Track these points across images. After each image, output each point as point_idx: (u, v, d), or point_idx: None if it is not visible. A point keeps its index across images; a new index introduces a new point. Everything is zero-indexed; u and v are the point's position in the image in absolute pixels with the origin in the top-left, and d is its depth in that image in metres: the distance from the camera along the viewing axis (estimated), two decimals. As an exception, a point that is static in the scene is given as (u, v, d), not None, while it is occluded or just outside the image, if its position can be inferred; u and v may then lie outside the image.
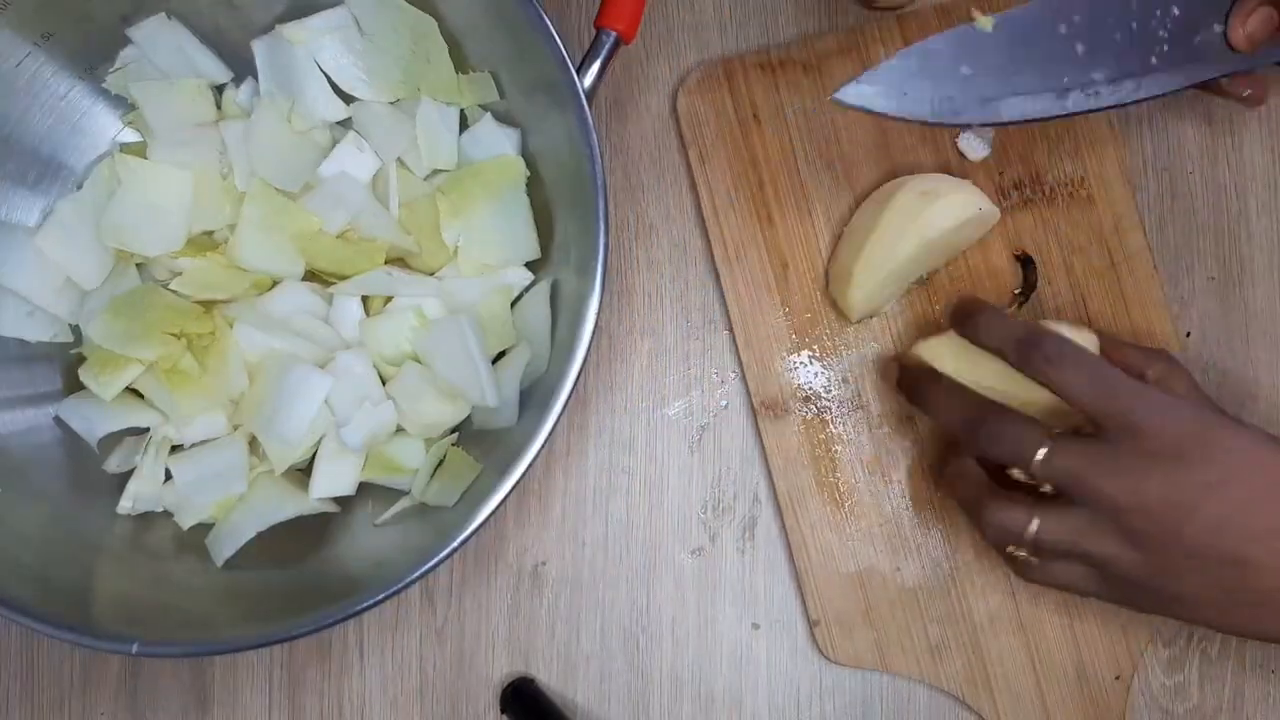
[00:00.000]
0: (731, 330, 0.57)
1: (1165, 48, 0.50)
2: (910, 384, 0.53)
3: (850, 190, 0.57)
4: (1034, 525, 0.47)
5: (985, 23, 0.49)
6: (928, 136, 0.57)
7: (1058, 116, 0.50)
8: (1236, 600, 0.46)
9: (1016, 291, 0.56)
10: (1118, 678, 0.54)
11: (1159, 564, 0.46)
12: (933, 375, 0.52)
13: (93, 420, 0.52)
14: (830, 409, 0.56)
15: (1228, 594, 0.46)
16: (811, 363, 0.56)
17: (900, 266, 0.53)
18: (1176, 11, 0.50)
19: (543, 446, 0.45)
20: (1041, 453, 0.46)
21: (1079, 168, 0.57)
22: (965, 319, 0.50)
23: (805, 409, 0.56)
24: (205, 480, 0.51)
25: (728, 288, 0.56)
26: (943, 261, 0.56)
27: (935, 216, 0.52)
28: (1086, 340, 0.50)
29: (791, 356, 0.56)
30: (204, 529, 0.52)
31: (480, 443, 0.51)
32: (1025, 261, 0.56)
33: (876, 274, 0.53)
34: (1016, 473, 0.48)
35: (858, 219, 0.56)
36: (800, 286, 0.56)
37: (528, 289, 0.53)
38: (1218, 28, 0.50)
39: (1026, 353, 0.47)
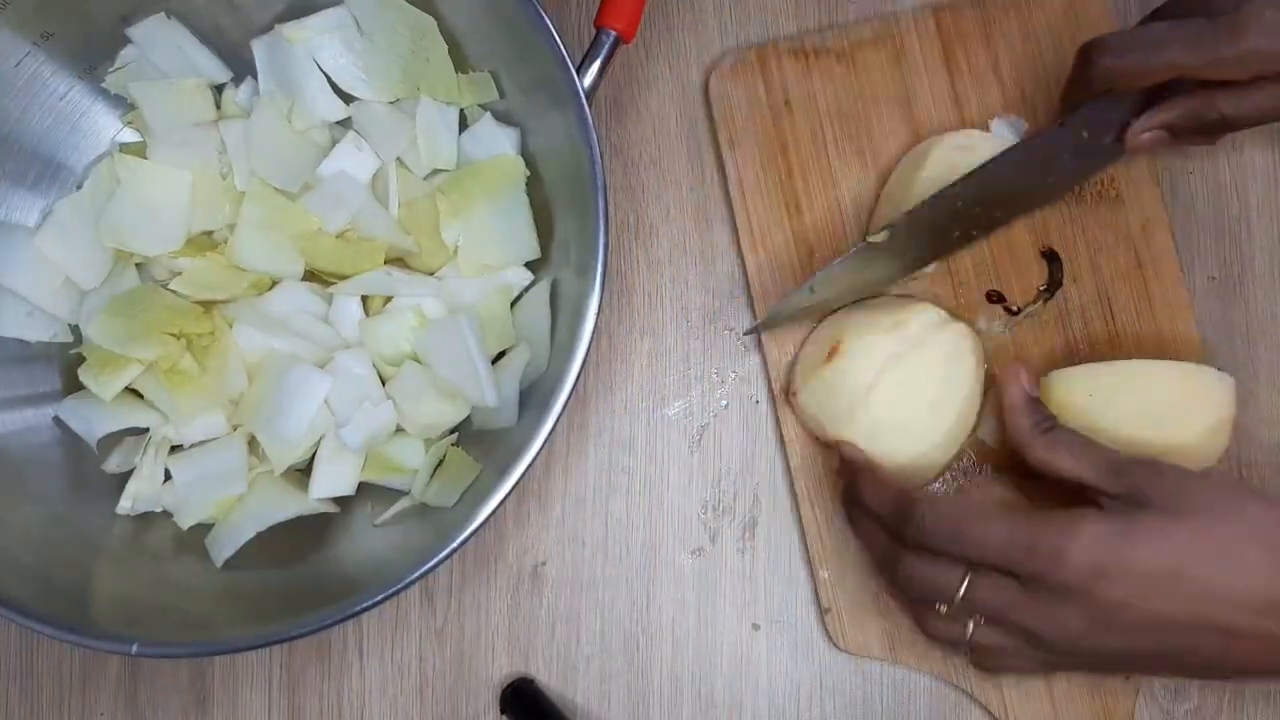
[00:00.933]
0: (732, 329, 0.57)
1: (1068, 161, 0.53)
2: (844, 502, 0.53)
3: (880, 181, 0.57)
4: (968, 636, 0.47)
5: (878, 237, 0.52)
6: (958, 127, 0.57)
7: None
8: (1179, 671, 0.48)
9: (1041, 288, 0.56)
10: (1127, 678, 0.54)
11: (1094, 666, 0.48)
12: (851, 500, 0.51)
13: (92, 420, 0.52)
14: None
15: (1170, 670, 0.48)
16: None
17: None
18: (1071, 153, 0.52)
19: (543, 446, 0.45)
20: (963, 591, 0.46)
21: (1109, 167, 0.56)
22: (848, 487, 0.51)
23: None
24: (205, 480, 0.51)
25: (752, 275, 0.56)
26: None
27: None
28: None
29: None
30: (204, 529, 0.52)
31: (480, 443, 0.51)
32: (1051, 258, 0.56)
33: None
34: (942, 608, 0.47)
35: (895, 179, 0.56)
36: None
37: (528, 289, 0.53)
38: (1108, 140, 0.52)
39: (904, 527, 0.47)
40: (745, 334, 0.56)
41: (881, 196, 0.56)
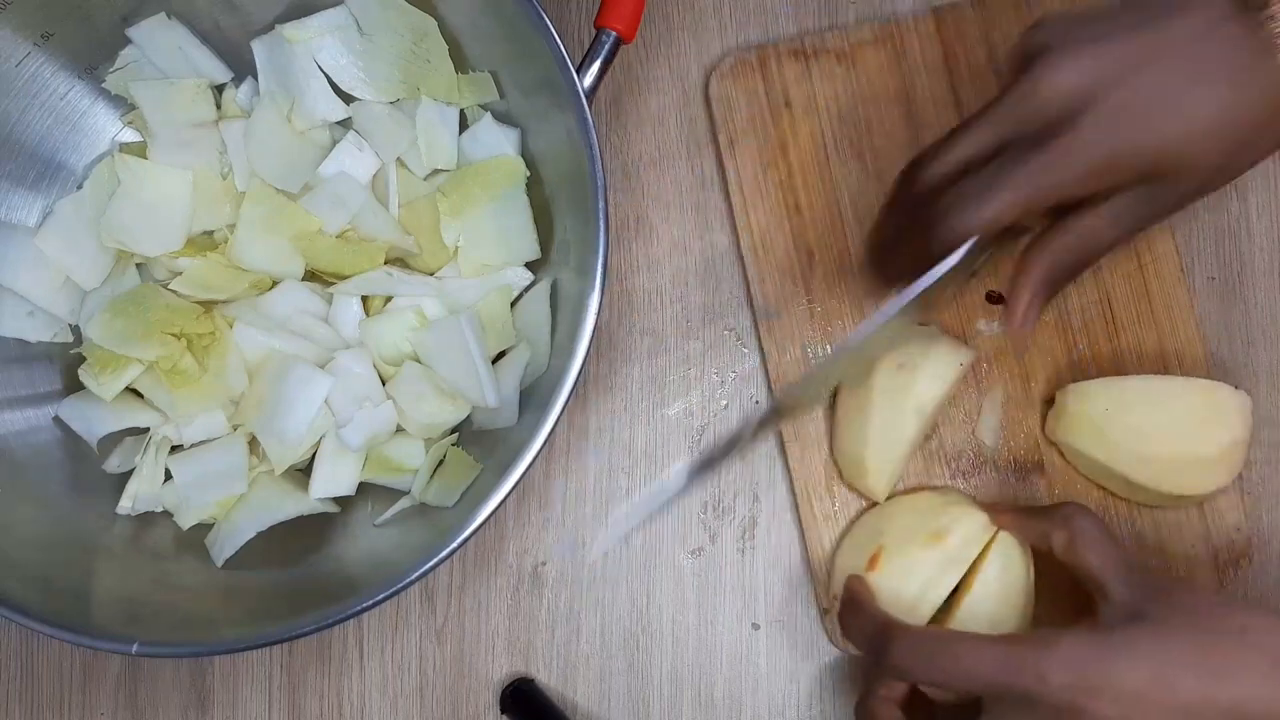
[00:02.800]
0: (732, 329, 0.57)
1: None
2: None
3: (880, 183, 0.57)
4: None
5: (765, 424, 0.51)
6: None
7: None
8: None
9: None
10: None
11: None
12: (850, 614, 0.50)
13: (92, 420, 0.52)
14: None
15: None
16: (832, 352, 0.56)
17: (912, 443, 0.53)
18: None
19: (543, 446, 0.45)
20: None
21: None
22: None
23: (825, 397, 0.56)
24: (205, 480, 0.51)
25: (752, 276, 0.56)
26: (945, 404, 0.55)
27: (924, 389, 0.52)
28: None
29: (813, 345, 0.56)
30: (204, 529, 0.52)
31: (480, 443, 0.51)
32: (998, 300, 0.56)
33: (892, 456, 0.53)
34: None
35: (844, 404, 0.54)
36: (824, 276, 0.56)
37: (528, 289, 0.53)
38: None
39: (883, 657, 0.45)
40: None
41: (837, 420, 0.54)
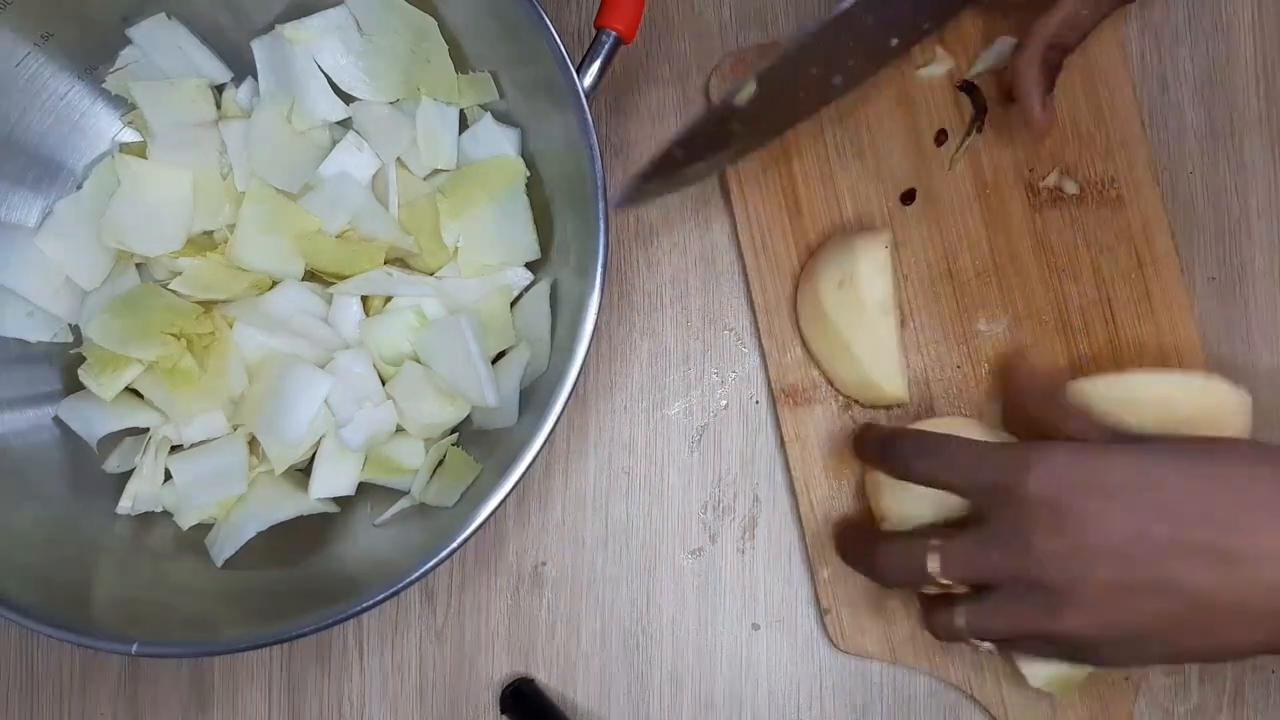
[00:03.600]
0: (732, 329, 0.57)
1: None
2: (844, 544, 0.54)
3: (880, 181, 0.57)
4: (961, 621, 0.47)
5: (744, 95, 0.48)
6: (959, 127, 0.57)
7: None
8: (1186, 627, 0.44)
9: (972, 117, 0.56)
10: (1127, 678, 0.54)
11: (1091, 617, 0.44)
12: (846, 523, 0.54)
13: (92, 420, 0.52)
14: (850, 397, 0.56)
15: (1175, 623, 0.43)
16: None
17: (897, 335, 0.54)
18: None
19: (543, 446, 0.45)
20: (934, 564, 0.46)
21: (1110, 168, 0.56)
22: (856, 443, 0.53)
23: (825, 396, 0.56)
24: (205, 480, 0.51)
25: (752, 275, 0.56)
26: None
27: (873, 287, 0.53)
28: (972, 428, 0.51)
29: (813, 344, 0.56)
30: (204, 529, 0.52)
31: (480, 443, 0.51)
32: (969, 89, 0.56)
33: (889, 358, 0.54)
34: (930, 589, 0.48)
35: (820, 347, 0.55)
36: None
37: (528, 289, 0.53)
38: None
39: (889, 456, 0.49)
40: (615, 208, 0.48)
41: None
